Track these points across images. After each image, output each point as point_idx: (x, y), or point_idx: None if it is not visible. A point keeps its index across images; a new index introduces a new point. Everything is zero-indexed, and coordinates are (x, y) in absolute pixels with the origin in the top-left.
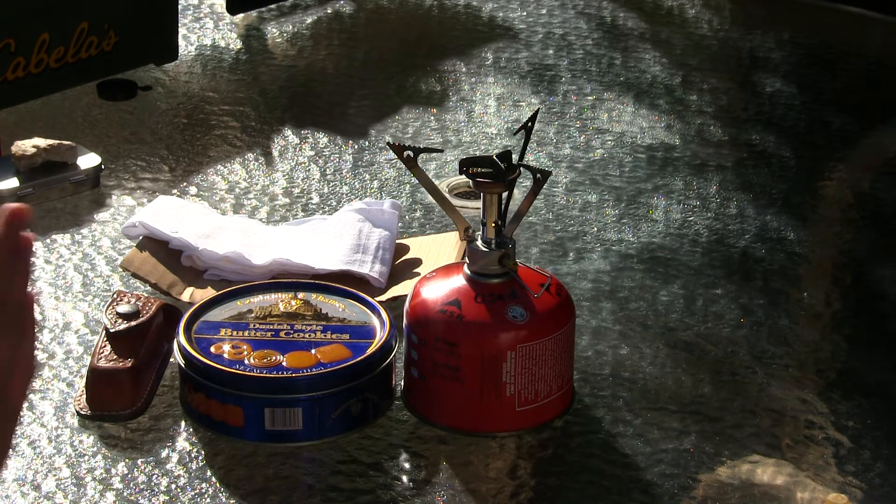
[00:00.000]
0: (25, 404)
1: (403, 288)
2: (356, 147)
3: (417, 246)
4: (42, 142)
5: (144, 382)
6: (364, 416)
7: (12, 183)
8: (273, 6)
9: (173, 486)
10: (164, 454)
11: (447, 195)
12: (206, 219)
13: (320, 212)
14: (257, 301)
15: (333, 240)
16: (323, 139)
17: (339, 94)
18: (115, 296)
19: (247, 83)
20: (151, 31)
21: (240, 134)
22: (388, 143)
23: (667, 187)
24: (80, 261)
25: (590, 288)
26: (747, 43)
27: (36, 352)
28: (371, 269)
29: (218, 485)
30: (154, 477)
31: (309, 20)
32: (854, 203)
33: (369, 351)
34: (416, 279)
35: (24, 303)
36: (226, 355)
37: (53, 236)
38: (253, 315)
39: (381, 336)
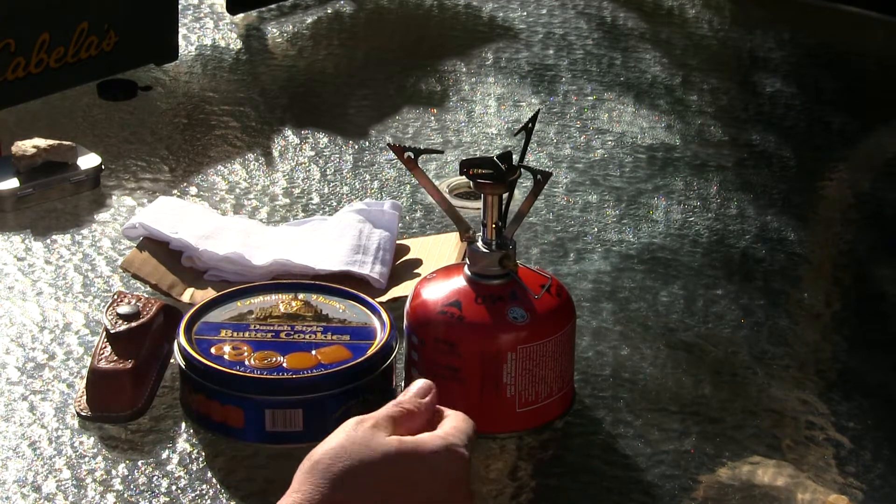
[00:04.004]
0: (26, 405)
1: (404, 289)
2: (356, 147)
3: (418, 247)
4: (42, 142)
5: (145, 383)
6: None
7: (12, 183)
8: (273, 6)
9: (174, 487)
10: (164, 455)
11: (448, 196)
12: (207, 219)
13: (320, 212)
14: (258, 302)
15: (334, 240)
16: (323, 139)
17: (340, 94)
18: (115, 297)
19: (247, 83)
20: (151, 31)
21: (240, 134)
22: (388, 145)
23: (667, 188)
24: (80, 261)
25: (590, 288)
26: (747, 43)
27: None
28: (371, 269)
29: (218, 486)
30: (154, 478)
31: (309, 20)
32: (854, 203)
33: (370, 352)
34: (417, 280)
35: None
36: (226, 356)
37: (54, 237)
38: (253, 316)
39: (381, 337)
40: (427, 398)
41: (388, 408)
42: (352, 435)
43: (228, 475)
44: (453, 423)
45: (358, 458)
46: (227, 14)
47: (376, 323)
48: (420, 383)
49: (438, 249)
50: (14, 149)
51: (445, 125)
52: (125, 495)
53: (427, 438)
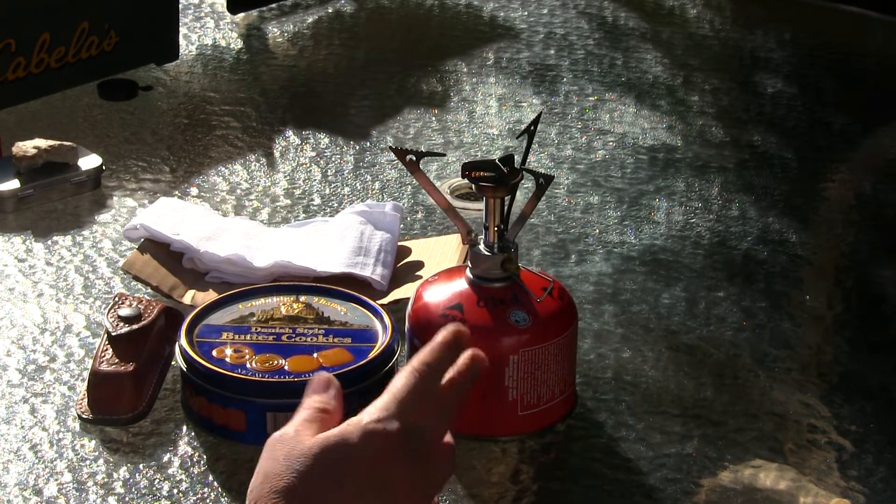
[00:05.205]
0: (27, 408)
1: (405, 291)
2: (357, 148)
3: (419, 248)
4: (43, 142)
5: (146, 386)
6: None
7: (13, 184)
8: (274, 6)
9: (175, 490)
10: (165, 458)
11: (449, 198)
12: (208, 220)
13: (322, 213)
14: (259, 304)
15: (335, 242)
16: (324, 140)
17: (340, 94)
18: (116, 298)
19: (248, 83)
20: (152, 30)
21: (241, 134)
22: (389, 147)
23: (668, 189)
24: (81, 263)
25: (592, 290)
26: (748, 43)
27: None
28: (373, 271)
29: (220, 489)
30: (156, 481)
31: (310, 20)
32: (856, 205)
33: (371, 355)
34: (418, 282)
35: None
36: (228, 359)
37: (54, 238)
38: (255, 318)
39: (383, 340)
40: (331, 390)
41: (301, 413)
42: (275, 455)
43: (230, 478)
44: (375, 403)
45: (289, 473)
46: (227, 14)
47: (378, 325)
48: (315, 380)
49: (440, 251)
50: (15, 149)
51: (446, 126)
52: (126, 498)
53: (351, 422)
